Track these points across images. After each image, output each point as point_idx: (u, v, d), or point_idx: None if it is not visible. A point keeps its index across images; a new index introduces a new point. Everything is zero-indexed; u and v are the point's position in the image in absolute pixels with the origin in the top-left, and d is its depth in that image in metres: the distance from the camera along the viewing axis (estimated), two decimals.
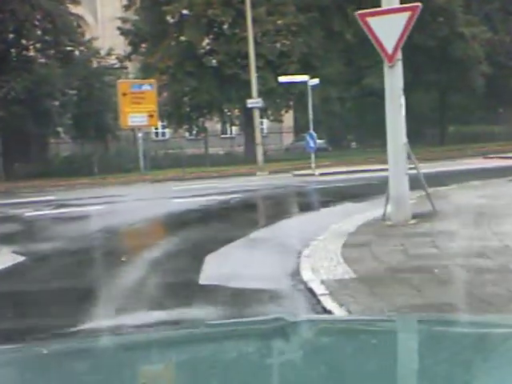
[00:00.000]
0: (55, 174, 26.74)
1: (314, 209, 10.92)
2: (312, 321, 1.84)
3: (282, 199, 13.24)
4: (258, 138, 26.35)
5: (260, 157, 25.87)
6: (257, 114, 26.18)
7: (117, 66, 31.76)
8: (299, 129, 46.30)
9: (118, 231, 9.57)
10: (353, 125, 43.93)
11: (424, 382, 1.19)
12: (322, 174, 19.00)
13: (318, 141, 45.67)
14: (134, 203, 13.60)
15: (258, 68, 27.04)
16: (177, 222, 10.28)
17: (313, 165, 20.15)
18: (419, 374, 1.24)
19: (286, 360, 1.34)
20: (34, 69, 25.56)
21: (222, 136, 44.10)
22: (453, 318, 2.15)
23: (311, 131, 19.93)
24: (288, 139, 47.62)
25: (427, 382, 1.19)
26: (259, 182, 18.24)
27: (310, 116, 20.31)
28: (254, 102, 25.70)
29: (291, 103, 33.32)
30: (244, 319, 3.22)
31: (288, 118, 41.27)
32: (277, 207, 11.70)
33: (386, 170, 19.75)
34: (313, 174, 19.17)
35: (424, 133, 36.32)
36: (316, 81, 21.04)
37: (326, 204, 11.31)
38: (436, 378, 1.19)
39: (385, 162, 24.08)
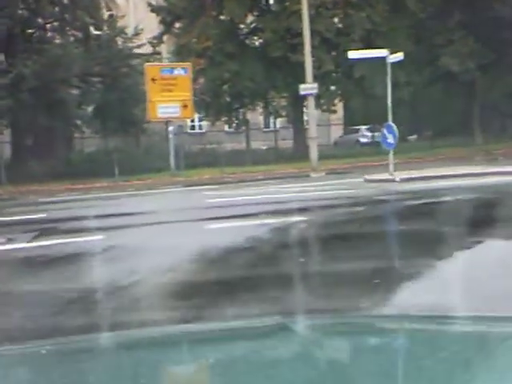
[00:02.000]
0: (75, 174, 22.75)
1: (445, 253, 6.34)
2: (312, 321, 1.80)
3: (375, 227, 8.48)
4: (313, 132, 21.77)
5: (314, 154, 21.33)
6: (311, 102, 21.59)
7: (146, 49, 27.48)
8: (350, 120, 41.42)
9: (101, 302, 5.24)
10: (411, 114, 38.41)
11: (424, 381, 1.17)
12: (404, 180, 14.35)
13: (370, 133, 41.10)
14: (148, 230, 9.26)
15: (311, 48, 22.44)
16: (208, 284, 5.77)
17: (391, 166, 15.46)
18: (419, 373, 1.20)
19: (286, 360, 1.32)
20: (46, 50, 21.47)
21: (265, 129, 39.59)
22: (453, 318, 2.06)
23: (390, 122, 15.22)
24: (336, 132, 42.74)
25: (427, 381, 1.17)
26: (322, 189, 13.69)
27: (389, 103, 15.61)
28: (309, 87, 21.11)
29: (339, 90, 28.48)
30: (244, 319, 2.94)
31: (337, 108, 36.47)
32: (375, 246, 6.91)
33: (482, 175, 15.08)
34: (393, 180, 14.50)
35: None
36: (399, 56, 16.31)
37: (455, 240, 6.75)
38: (436, 378, 1.18)
39: (465, 160, 19.13)
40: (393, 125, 15.06)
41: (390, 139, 15.03)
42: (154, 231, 9.13)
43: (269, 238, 8.05)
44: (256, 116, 35.16)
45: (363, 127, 41.24)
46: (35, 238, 8.99)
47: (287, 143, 33.40)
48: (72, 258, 7.47)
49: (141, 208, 12.06)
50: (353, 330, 1.60)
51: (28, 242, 8.68)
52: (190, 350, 1.46)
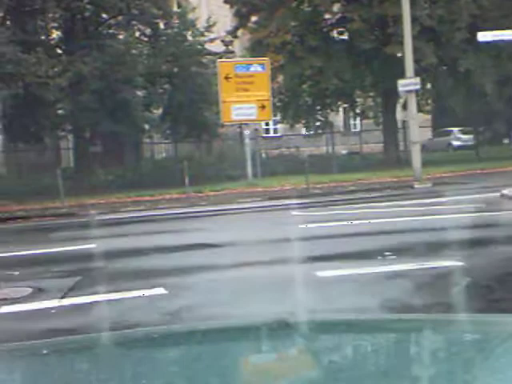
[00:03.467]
0: (144, 183, 20.53)
1: None
2: (312, 321, 1.79)
3: None
4: (416, 135, 18.50)
5: (417, 161, 18.04)
6: (413, 99, 18.30)
7: (218, 47, 24.91)
8: (439, 121, 37.51)
9: None
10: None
11: (424, 381, 1.17)
12: None
13: (464, 136, 36.94)
14: (233, 279, 6.43)
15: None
16: None
17: None
18: (419, 374, 1.21)
19: (287, 359, 1.33)
20: (108, 46, 19.14)
21: (344, 132, 36.30)
22: (453, 318, 2.08)
23: None
24: (423, 135, 38.75)
25: (427, 382, 1.17)
26: (450, 210, 10.53)
27: None
28: (410, 83, 17.86)
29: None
30: (245, 320, 2.83)
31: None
32: None
33: None
34: None
35: None
36: None
37: None
38: (436, 378, 1.18)
39: None
40: None
41: None
42: (243, 281, 6.28)
43: (428, 305, 5.02)
44: (334, 117, 32.08)
45: (455, 129, 37.34)
46: (72, 290, 6.34)
47: (370, 147, 30.20)
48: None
49: (217, 236, 9.29)
50: (353, 330, 1.58)
51: (60, 298, 6.03)
52: (190, 349, 1.43)
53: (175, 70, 21.52)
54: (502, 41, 14.54)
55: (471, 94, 22.51)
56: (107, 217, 13.51)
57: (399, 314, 3.59)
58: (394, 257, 6.97)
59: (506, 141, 37.47)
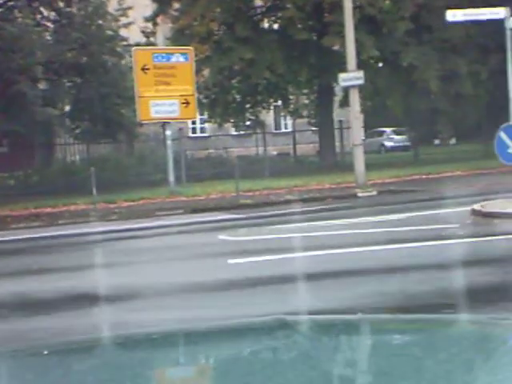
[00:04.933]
0: (51, 190, 17.66)
1: None
2: (312, 321, 1.79)
3: None
4: (358, 136, 16.44)
5: (360, 166, 15.96)
6: (355, 96, 16.15)
7: (135, 33, 22.09)
8: (371, 121, 35.99)
9: None
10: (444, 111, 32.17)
11: (424, 382, 1.17)
12: None
13: (397, 137, 35.68)
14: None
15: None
16: None
17: None
18: (419, 374, 1.20)
19: (286, 359, 1.33)
20: (1, 29, 16.03)
21: (275, 131, 34.17)
22: (452, 318, 2.07)
23: None
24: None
25: (427, 382, 1.16)
26: (417, 234, 8.34)
27: (511, 94, 10.22)
28: (352, 77, 15.73)
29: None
30: (244, 320, 2.80)
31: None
32: None
33: None
34: None
35: None
36: None
37: None
38: (436, 378, 1.17)
39: None
40: None
41: None
42: None
43: None
44: (264, 116, 29.92)
45: (388, 129, 36.00)
46: None
47: (303, 148, 28.21)
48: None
49: (118, 277, 6.69)
50: (353, 330, 1.58)
51: None
52: (190, 350, 1.45)
53: (84, 59, 18.58)
54: (474, 21, 12.61)
55: (412, 91, 20.72)
56: None
57: (399, 314, 3.58)
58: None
59: (436, 142, 36.53)
